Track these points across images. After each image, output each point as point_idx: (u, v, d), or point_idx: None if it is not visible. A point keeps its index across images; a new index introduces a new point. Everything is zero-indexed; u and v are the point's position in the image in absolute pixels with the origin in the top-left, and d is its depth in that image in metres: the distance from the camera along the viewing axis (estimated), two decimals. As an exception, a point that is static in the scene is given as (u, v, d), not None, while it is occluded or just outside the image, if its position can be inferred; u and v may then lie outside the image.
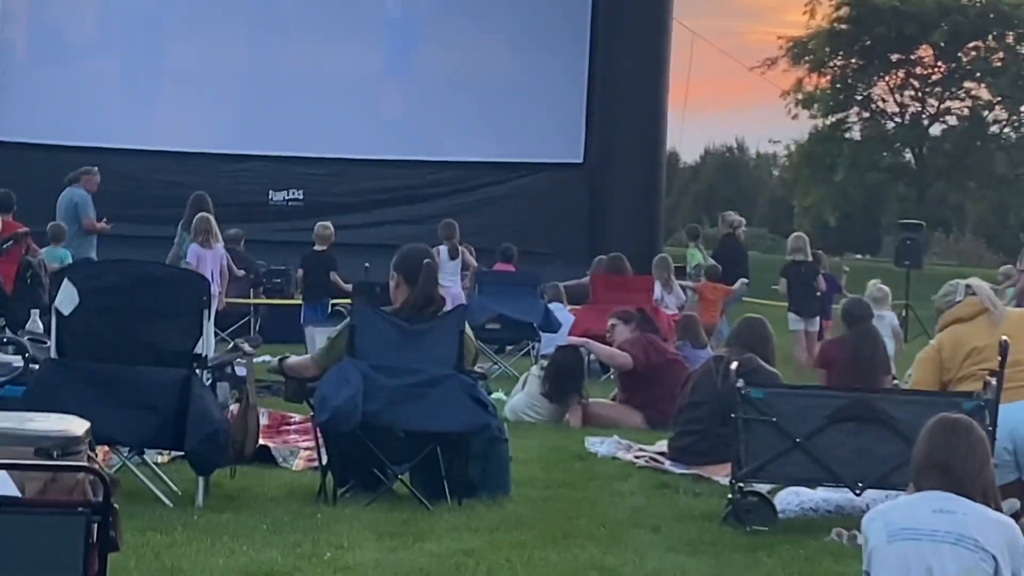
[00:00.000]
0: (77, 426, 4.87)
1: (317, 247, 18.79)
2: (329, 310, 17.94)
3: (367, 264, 18.44)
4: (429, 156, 24.81)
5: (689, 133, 65.28)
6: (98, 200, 18.18)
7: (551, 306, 17.15)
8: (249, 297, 19.12)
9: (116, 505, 4.19)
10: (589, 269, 18.92)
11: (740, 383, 7.80)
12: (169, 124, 24.75)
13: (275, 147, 24.62)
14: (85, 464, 4.49)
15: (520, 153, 24.82)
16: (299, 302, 19.30)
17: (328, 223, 18.94)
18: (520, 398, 12.55)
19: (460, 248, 18.69)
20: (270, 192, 24.55)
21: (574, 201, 24.46)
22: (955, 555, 4.80)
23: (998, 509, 5.08)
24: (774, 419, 7.69)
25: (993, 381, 7.36)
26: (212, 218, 15.98)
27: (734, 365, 8.23)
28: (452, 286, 17.21)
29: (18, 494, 4.20)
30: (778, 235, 58.27)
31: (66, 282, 7.88)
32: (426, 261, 8.54)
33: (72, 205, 17.69)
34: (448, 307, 8.70)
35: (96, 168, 18.33)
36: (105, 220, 17.98)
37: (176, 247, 17.17)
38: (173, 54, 25.01)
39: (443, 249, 18.17)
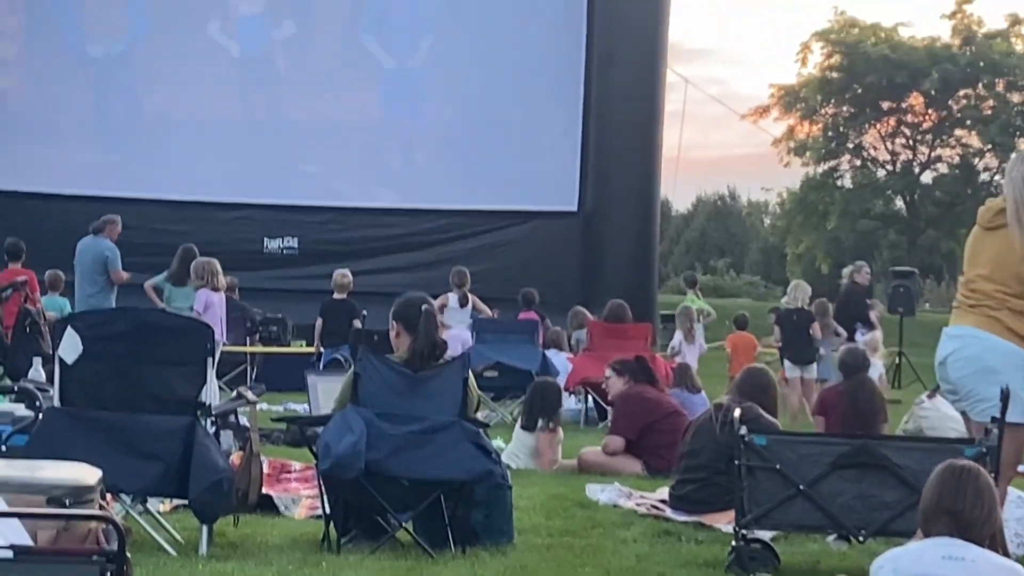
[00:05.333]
0: (89, 474, 4.90)
1: (336, 295, 18.76)
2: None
3: (364, 312, 18.46)
4: (424, 204, 24.86)
5: (681, 181, 65.44)
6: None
7: (549, 353, 17.19)
8: (245, 345, 19.11)
9: (128, 554, 4.19)
10: (569, 318, 18.99)
11: (743, 430, 7.81)
12: (164, 173, 24.76)
13: (270, 195, 24.67)
14: (101, 513, 4.50)
15: (515, 201, 24.89)
16: (295, 350, 19.29)
17: (346, 271, 18.94)
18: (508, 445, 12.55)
19: (471, 296, 18.73)
20: (265, 240, 24.57)
21: (569, 249, 24.52)
22: (965, 601, 4.82)
23: (1006, 554, 5.12)
24: (777, 466, 7.69)
25: (995, 429, 7.36)
26: (216, 262, 15.96)
27: (737, 413, 8.25)
28: (461, 332, 17.25)
29: (30, 543, 4.20)
30: (770, 282, 58.41)
31: (69, 330, 7.88)
32: (425, 308, 8.54)
33: (102, 257, 17.63)
34: (459, 352, 8.71)
35: (119, 217, 18.29)
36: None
37: (151, 289, 17.10)
38: (167, 102, 25.04)
39: (453, 296, 18.18)
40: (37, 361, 9.79)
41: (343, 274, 18.92)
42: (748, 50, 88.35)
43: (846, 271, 21.47)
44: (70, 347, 7.78)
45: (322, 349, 18.43)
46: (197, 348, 8.01)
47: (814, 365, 18.50)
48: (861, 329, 19.57)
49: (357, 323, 18.30)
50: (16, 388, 8.42)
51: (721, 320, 25.96)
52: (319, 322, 18.64)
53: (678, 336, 19.34)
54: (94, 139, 24.86)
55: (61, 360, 7.86)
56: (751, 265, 65.65)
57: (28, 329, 11.62)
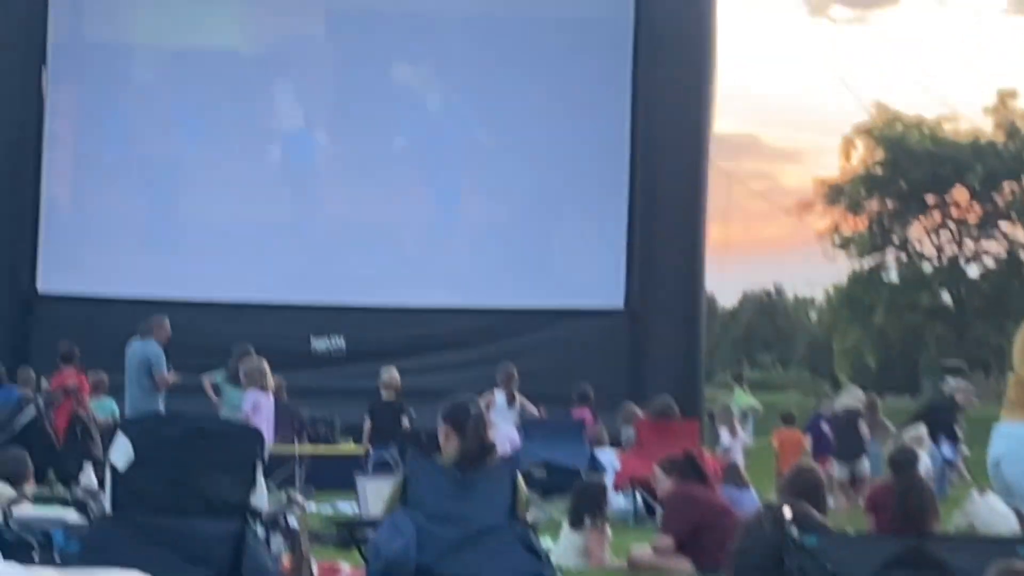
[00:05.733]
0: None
1: (384, 395, 18.78)
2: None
3: (412, 412, 18.47)
4: (470, 303, 24.90)
5: (727, 276, 65.44)
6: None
7: (597, 451, 17.16)
8: (294, 444, 19.13)
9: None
10: (619, 415, 18.95)
11: (793, 530, 7.77)
12: (212, 274, 24.90)
13: (316, 295, 24.74)
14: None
15: (561, 299, 24.93)
16: (344, 450, 19.31)
17: (393, 370, 18.95)
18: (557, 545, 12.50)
19: (517, 395, 18.74)
20: (312, 339, 24.63)
21: (615, 346, 24.49)
22: None
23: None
24: (828, 566, 7.65)
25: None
26: (265, 362, 16.06)
27: (787, 512, 8.20)
28: (509, 431, 17.27)
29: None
30: (818, 376, 58.17)
31: (121, 436, 7.94)
32: (473, 410, 8.58)
33: (145, 360, 17.82)
34: (508, 451, 8.74)
35: (166, 319, 18.44)
36: (173, 371, 18.08)
37: (210, 384, 17.26)
38: (215, 204, 25.22)
39: (500, 395, 18.20)
40: (88, 466, 9.86)
41: (390, 374, 18.95)
42: (792, 143, 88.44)
43: (953, 383, 21.19)
44: (121, 453, 7.84)
45: (370, 449, 18.42)
46: (247, 453, 8.05)
47: (864, 463, 18.43)
48: (945, 443, 19.39)
49: (405, 422, 18.32)
50: (71, 501, 8.46)
51: (770, 414, 25.84)
52: (367, 422, 18.65)
53: (725, 433, 19.38)
54: (143, 241, 25.01)
55: (112, 466, 7.91)
56: (798, 359, 65.43)
57: (79, 434, 11.69)
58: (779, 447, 20.42)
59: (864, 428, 18.43)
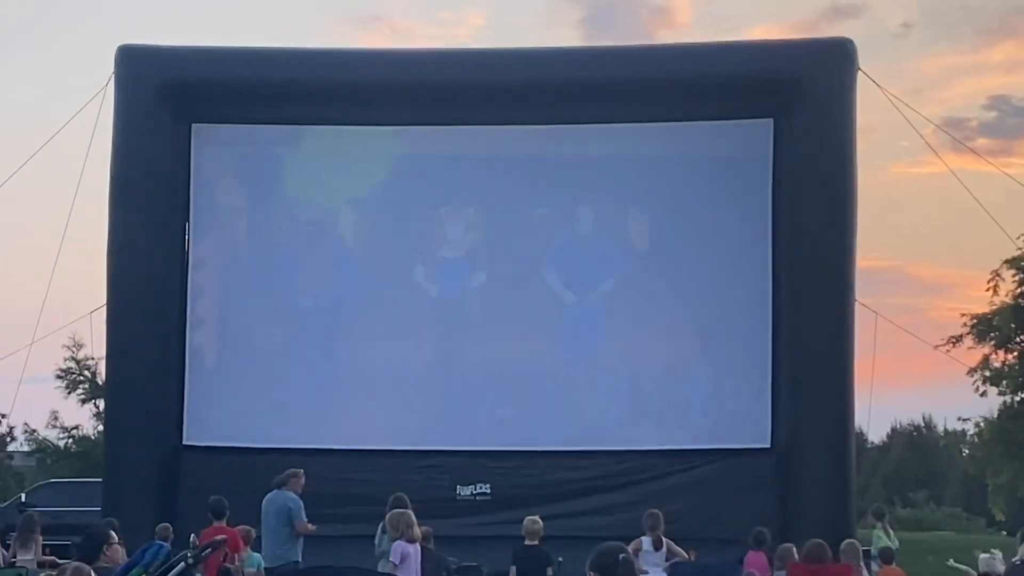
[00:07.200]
0: None
1: (528, 541, 18.60)
2: None
3: (560, 559, 18.26)
4: (615, 446, 24.73)
5: (875, 412, 64.34)
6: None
7: (749, 595, 16.83)
8: (441, 594, 18.97)
9: None
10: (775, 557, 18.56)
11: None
12: (355, 423, 25.05)
13: (460, 442, 24.76)
14: None
15: (707, 440, 24.69)
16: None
17: (537, 517, 18.76)
18: None
19: (664, 539, 18.46)
20: (457, 487, 24.58)
21: (763, 486, 24.13)
22: None
23: None
24: None
25: None
26: (411, 513, 16.03)
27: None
28: (657, 576, 17.02)
29: None
30: (972, 514, 56.86)
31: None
32: (622, 556, 8.40)
33: (286, 509, 17.95)
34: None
35: (302, 471, 18.61)
36: (311, 522, 18.17)
37: (377, 547, 17.29)
38: (356, 353, 25.41)
39: (647, 539, 17.98)
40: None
41: (533, 520, 18.76)
42: (938, 277, 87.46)
43: None
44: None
45: None
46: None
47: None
48: None
49: (550, 571, 18.10)
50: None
51: (922, 554, 25.26)
52: (512, 570, 18.45)
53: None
54: (287, 390, 25.18)
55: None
56: (951, 496, 64.07)
57: (227, 587, 11.69)
58: None
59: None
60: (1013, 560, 19.07)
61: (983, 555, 19.37)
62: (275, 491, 18.26)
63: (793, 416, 24.19)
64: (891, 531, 24.69)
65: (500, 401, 25.13)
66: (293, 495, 18.16)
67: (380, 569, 16.54)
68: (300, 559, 17.89)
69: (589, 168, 25.61)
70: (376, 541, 17.15)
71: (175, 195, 25.13)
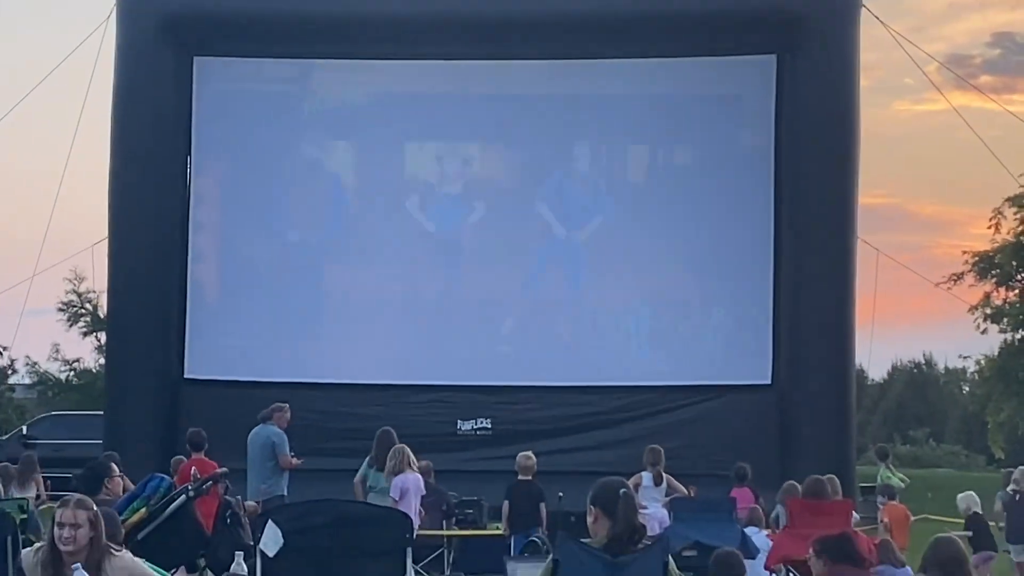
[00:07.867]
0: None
1: (521, 477, 18.63)
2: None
3: (560, 493, 18.33)
4: (616, 381, 24.76)
5: (876, 349, 64.30)
6: (287, 435, 18.48)
7: (748, 530, 16.86)
8: (442, 528, 19.05)
9: None
10: (779, 493, 18.63)
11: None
12: (355, 357, 25.07)
13: (462, 377, 24.78)
14: None
15: (708, 376, 24.71)
16: (491, 532, 19.19)
17: (530, 453, 18.81)
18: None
19: (665, 475, 18.52)
20: (458, 422, 24.63)
21: (764, 423, 24.18)
22: None
23: None
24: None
25: None
26: (407, 448, 16.08)
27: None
28: (657, 512, 17.06)
29: None
30: (972, 451, 57.03)
31: (270, 523, 7.93)
32: (623, 491, 8.41)
33: (269, 443, 18.06)
34: (656, 531, 8.56)
35: (287, 405, 18.71)
36: (295, 456, 18.26)
37: (360, 483, 17.30)
38: (357, 287, 25.41)
39: (647, 475, 18.03)
40: (239, 555, 9.84)
41: (527, 456, 18.81)
42: (940, 215, 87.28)
43: None
44: (271, 540, 7.83)
45: (510, 533, 18.26)
46: (396, 539, 8.01)
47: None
48: None
49: (543, 506, 18.17)
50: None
51: (922, 491, 25.36)
52: (505, 505, 18.53)
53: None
54: (288, 325, 25.19)
55: (262, 553, 7.90)
56: (951, 434, 64.23)
57: (228, 520, 11.71)
58: (890, 522, 19.91)
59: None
60: (1009, 491, 19.10)
61: (960, 495, 19.48)
62: (259, 425, 18.35)
63: (794, 353, 24.20)
64: (893, 470, 24.78)
65: (501, 336, 25.18)
66: (277, 429, 18.23)
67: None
68: (286, 493, 17.98)
69: (591, 104, 25.50)
70: (368, 479, 17.12)
71: (177, 129, 25.06)
